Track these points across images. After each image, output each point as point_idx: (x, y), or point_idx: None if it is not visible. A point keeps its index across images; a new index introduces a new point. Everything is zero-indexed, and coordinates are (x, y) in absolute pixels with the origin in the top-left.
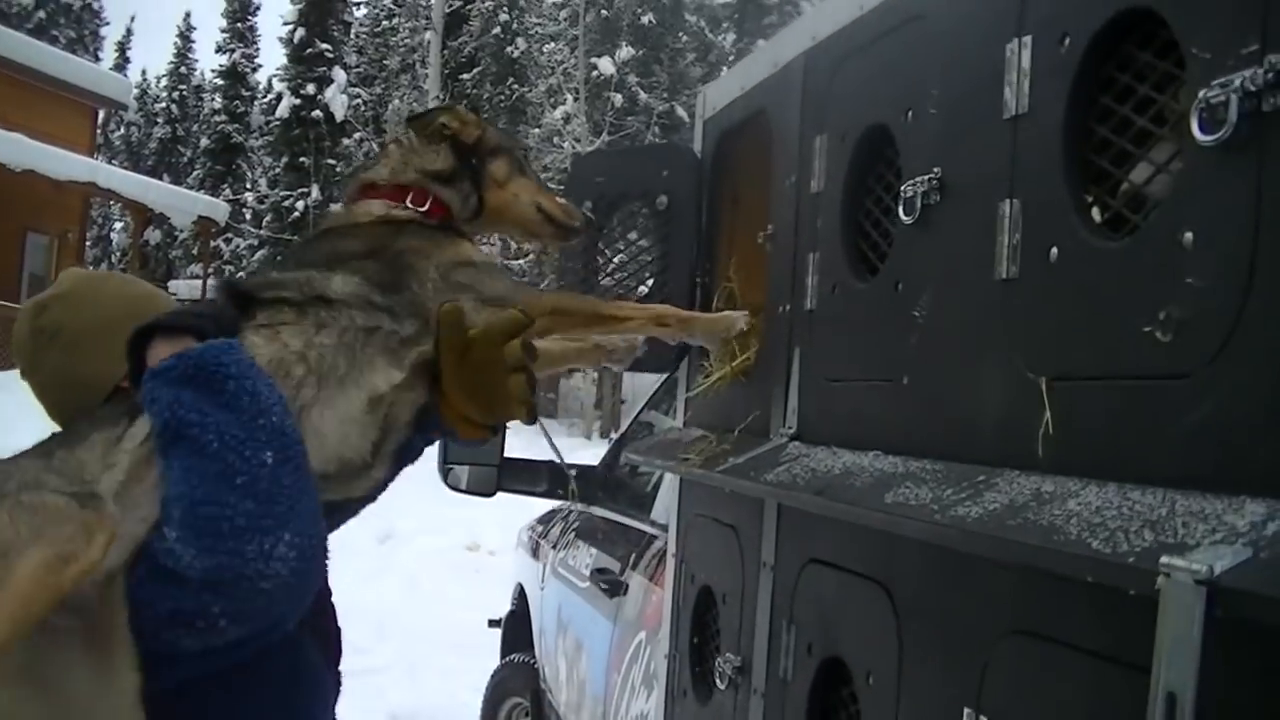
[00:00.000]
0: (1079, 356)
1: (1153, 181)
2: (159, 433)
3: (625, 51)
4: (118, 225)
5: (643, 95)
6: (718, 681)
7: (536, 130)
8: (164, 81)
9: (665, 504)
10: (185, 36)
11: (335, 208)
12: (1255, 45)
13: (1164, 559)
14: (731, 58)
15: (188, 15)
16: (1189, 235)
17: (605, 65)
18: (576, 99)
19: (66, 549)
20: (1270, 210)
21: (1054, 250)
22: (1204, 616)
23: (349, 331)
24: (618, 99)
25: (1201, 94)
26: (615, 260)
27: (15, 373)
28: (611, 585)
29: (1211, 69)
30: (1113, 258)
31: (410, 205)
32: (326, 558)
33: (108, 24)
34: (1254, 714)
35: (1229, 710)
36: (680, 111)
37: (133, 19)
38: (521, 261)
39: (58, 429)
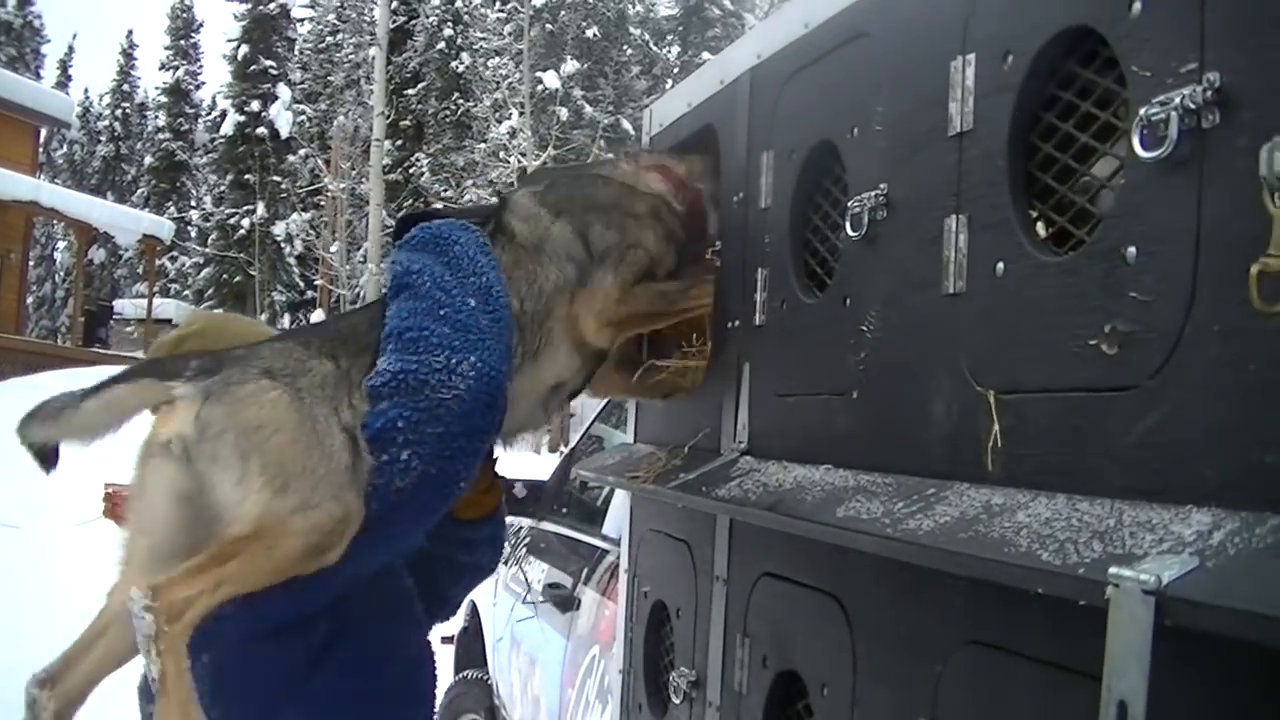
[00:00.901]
0: (1026, 370)
1: (1097, 197)
2: (390, 285)
3: (570, 65)
4: (61, 245)
5: (588, 109)
6: (672, 696)
7: (482, 145)
8: (107, 99)
9: (616, 518)
10: (128, 54)
11: (622, 164)
12: (1194, 63)
13: (1112, 570)
14: (676, 70)
15: (130, 33)
16: (1132, 250)
17: (550, 79)
18: (522, 113)
19: (325, 542)
20: (1210, 225)
21: (1000, 265)
22: (1153, 626)
23: (543, 298)
24: (563, 113)
25: (1142, 111)
26: None
27: None
28: (564, 600)
29: (1152, 87)
30: (1058, 272)
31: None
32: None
33: (49, 41)
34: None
35: (1180, 718)
36: (626, 124)
37: (75, 36)
38: None
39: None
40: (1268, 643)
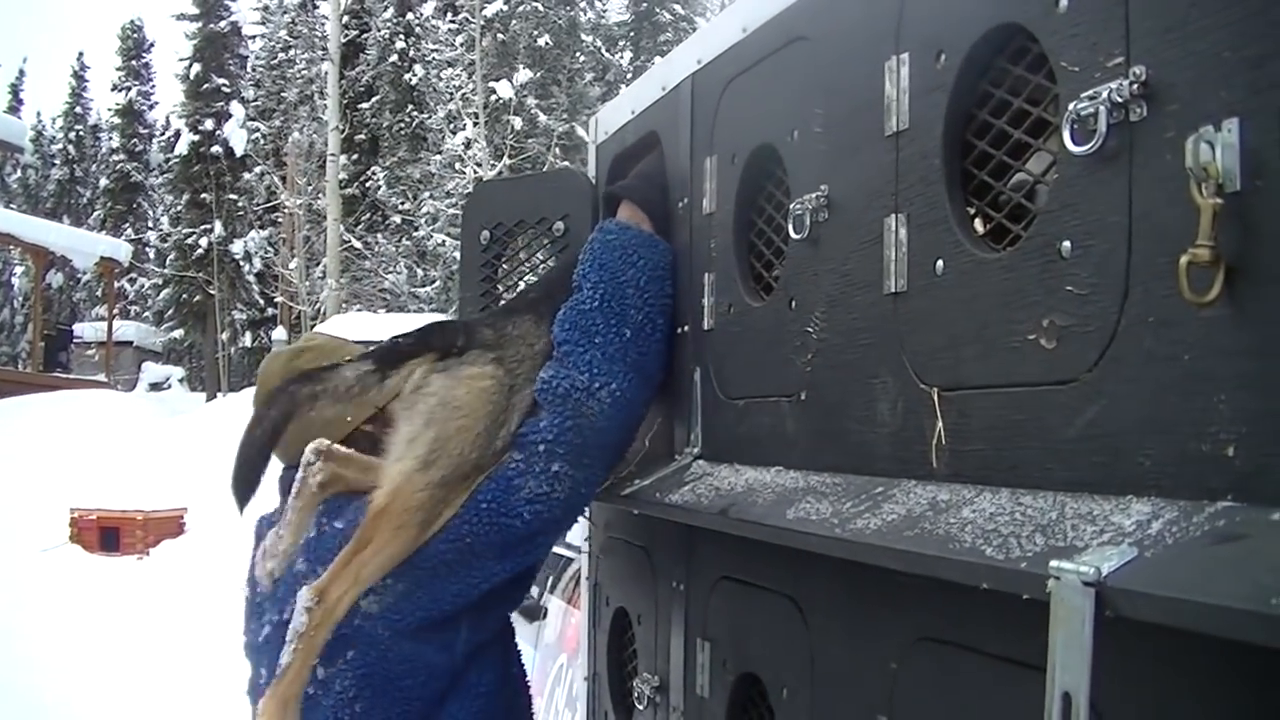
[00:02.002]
0: (968, 366)
1: (1032, 193)
2: (575, 272)
3: (523, 74)
4: (18, 270)
5: (542, 117)
6: (637, 702)
7: (438, 157)
8: (59, 122)
9: (580, 526)
10: (79, 76)
11: None
12: (1120, 57)
13: (1053, 563)
14: (629, 75)
15: (81, 55)
16: (1067, 244)
17: (504, 89)
18: (476, 124)
19: (435, 514)
20: (1141, 218)
21: (939, 263)
22: (1093, 617)
23: None
24: (517, 122)
25: (1072, 106)
26: (517, 286)
27: None
28: (530, 610)
29: (1080, 81)
30: (996, 268)
31: None
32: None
33: None
34: (1146, 709)
35: (1123, 707)
36: (580, 132)
37: (25, 60)
38: (428, 289)
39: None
40: (1204, 630)
